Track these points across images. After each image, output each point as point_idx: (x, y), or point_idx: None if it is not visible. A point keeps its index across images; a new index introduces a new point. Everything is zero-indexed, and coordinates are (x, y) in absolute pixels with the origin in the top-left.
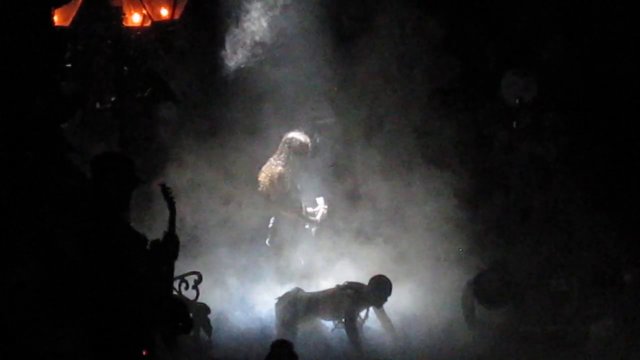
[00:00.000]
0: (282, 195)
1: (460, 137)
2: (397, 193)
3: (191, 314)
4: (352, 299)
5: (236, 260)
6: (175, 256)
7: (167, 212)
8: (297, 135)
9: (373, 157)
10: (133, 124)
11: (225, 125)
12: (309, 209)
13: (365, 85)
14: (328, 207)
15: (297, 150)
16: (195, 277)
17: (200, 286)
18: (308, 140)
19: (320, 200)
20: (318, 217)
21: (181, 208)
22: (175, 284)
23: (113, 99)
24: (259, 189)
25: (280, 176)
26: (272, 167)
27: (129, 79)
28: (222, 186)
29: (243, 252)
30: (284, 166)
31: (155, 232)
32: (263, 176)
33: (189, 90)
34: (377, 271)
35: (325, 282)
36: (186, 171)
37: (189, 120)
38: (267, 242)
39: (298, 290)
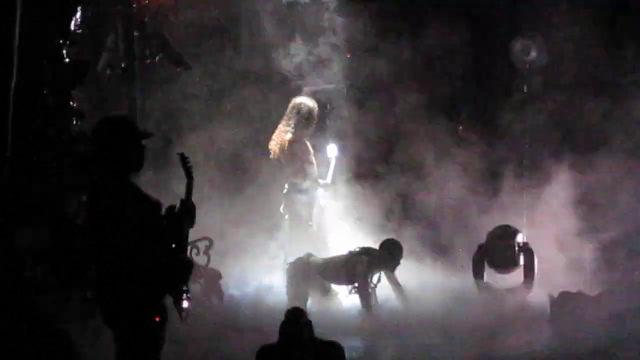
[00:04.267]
0: (293, 162)
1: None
2: (410, 157)
3: (203, 280)
4: (366, 263)
5: (249, 228)
6: (191, 223)
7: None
8: (306, 101)
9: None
10: (144, 91)
11: (235, 89)
12: (321, 180)
13: (375, 50)
14: (339, 156)
15: (305, 116)
16: (207, 242)
17: (211, 251)
18: (316, 105)
19: (331, 149)
20: (329, 178)
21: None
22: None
23: (123, 65)
24: (270, 156)
25: (291, 143)
26: (282, 134)
27: (139, 45)
28: (235, 153)
29: (256, 218)
30: (293, 132)
31: (172, 200)
32: (273, 144)
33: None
34: (388, 235)
35: (337, 248)
36: (199, 138)
37: (200, 85)
38: (281, 209)
39: (310, 255)
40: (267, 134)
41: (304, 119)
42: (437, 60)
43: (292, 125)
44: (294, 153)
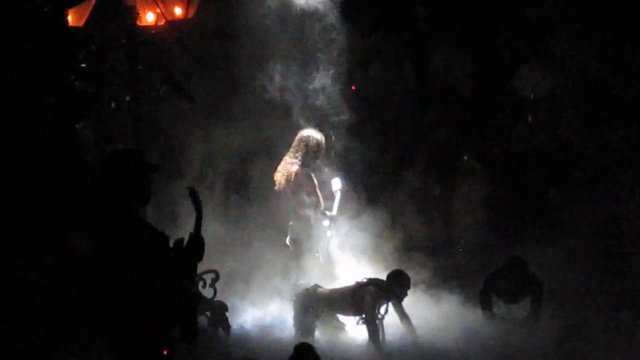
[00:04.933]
0: (298, 193)
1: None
2: (416, 190)
3: (209, 313)
4: (373, 295)
5: (255, 259)
6: (199, 257)
7: (191, 214)
8: (313, 134)
9: (388, 153)
10: (149, 123)
11: (238, 126)
12: (327, 212)
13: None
14: (344, 189)
15: (313, 149)
16: (213, 275)
17: (217, 284)
18: (323, 138)
19: (335, 182)
20: (334, 210)
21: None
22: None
23: (128, 98)
24: (276, 187)
25: (297, 174)
26: (288, 166)
27: (144, 78)
28: (239, 184)
29: (261, 250)
30: (300, 164)
31: (178, 234)
32: (279, 175)
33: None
34: (394, 266)
35: (344, 279)
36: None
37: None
38: (286, 241)
39: (316, 286)
40: (270, 167)
41: (312, 151)
42: (442, 89)
43: (299, 157)
44: (299, 184)
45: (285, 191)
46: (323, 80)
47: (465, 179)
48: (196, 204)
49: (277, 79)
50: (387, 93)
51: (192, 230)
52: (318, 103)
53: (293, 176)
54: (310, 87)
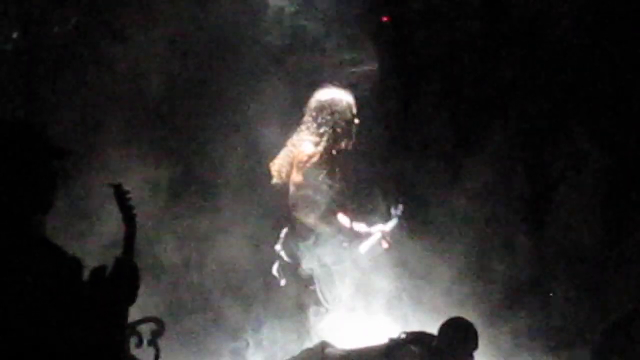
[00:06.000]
0: (315, 191)
1: None
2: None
3: None
4: (417, 358)
5: (224, 299)
6: (133, 295)
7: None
8: (336, 94)
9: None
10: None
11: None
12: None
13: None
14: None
15: (347, 118)
16: (153, 325)
17: (163, 341)
18: (351, 97)
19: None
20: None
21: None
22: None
23: (15, 34)
24: (274, 181)
25: (314, 159)
26: (297, 148)
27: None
28: (205, 182)
29: (234, 285)
30: (324, 144)
31: (95, 255)
32: (279, 164)
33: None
34: (450, 313)
35: (368, 333)
36: (140, 157)
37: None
38: (273, 269)
39: (325, 344)
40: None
41: (343, 121)
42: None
43: (323, 134)
44: (315, 176)
45: (288, 187)
46: None
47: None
48: (125, 211)
49: None
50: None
51: (119, 253)
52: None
53: (306, 159)
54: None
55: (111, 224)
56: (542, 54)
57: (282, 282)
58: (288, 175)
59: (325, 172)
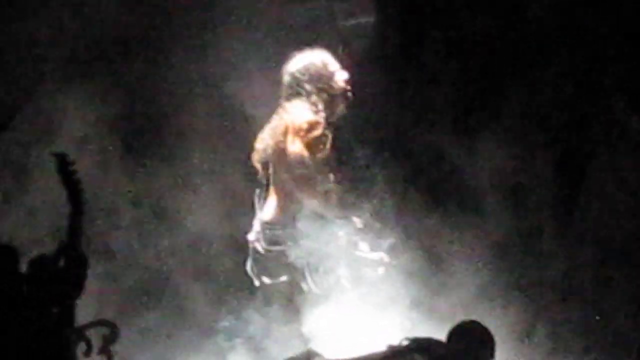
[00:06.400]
0: (306, 165)
1: None
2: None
3: None
4: None
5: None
6: (79, 288)
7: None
8: (315, 58)
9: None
10: None
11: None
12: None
13: None
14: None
15: (331, 85)
16: (106, 330)
17: (118, 348)
18: (337, 65)
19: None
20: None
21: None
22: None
23: None
24: (255, 158)
25: (311, 126)
26: (284, 122)
27: None
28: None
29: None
30: (315, 113)
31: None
32: (265, 140)
33: None
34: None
35: (365, 338)
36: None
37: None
38: (247, 267)
39: (312, 354)
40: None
41: (329, 90)
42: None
43: (314, 101)
44: (314, 146)
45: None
46: None
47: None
48: (70, 186)
49: None
50: None
51: (64, 238)
52: None
53: (304, 126)
54: None
55: (52, 203)
56: None
57: (257, 283)
58: (278, 148)
59: (327, 146)
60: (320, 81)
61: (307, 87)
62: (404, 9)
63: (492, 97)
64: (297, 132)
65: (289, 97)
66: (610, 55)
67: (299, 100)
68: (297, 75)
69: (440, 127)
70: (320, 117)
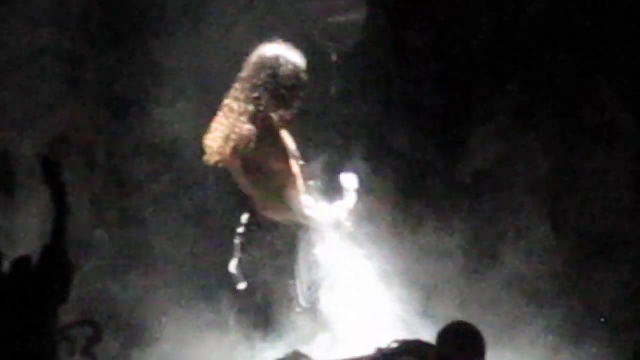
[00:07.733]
0: (263, 174)
1: None
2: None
3: None
4: None
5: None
6: (64, 291)
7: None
8: (285, 53)
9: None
10: None
11: None
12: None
13: None
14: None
15: (287, 82)
16: (90, 330)
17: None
18: (304, 62)
19: (347, 179)
20: (344, 212)
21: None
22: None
23: None
24: (206, 158)
25: (260, 135)
26: (237, 118)
27: None
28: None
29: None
30: (262, 116)
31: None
32: (216, 136)
33: None
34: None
35: (353, 341)
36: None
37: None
38: (231, 267)
39: (299, 356)
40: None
41: (285, 88)
42: None
43: (262, 100)
44: (266, 154)
45: (232, 168)
46: None
47: None
48: (55, 186)
49: None
50: None
51: (47, 240)
52: None
53: (252, 137)
54: None
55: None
56: None
57: (242, 285)
58: (231, 154)
59: (279, 149)
60: (278, 76)
61: (266, 78)
62: (392, 7)
63: (481, 97)
64: (236, 146)
65: (243, 89)
66: (604, 56)
67: (242, 96)
68: (262, 65)
69: (426, 126)
70: (259, 116)
